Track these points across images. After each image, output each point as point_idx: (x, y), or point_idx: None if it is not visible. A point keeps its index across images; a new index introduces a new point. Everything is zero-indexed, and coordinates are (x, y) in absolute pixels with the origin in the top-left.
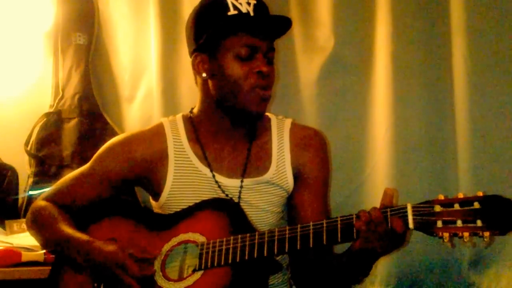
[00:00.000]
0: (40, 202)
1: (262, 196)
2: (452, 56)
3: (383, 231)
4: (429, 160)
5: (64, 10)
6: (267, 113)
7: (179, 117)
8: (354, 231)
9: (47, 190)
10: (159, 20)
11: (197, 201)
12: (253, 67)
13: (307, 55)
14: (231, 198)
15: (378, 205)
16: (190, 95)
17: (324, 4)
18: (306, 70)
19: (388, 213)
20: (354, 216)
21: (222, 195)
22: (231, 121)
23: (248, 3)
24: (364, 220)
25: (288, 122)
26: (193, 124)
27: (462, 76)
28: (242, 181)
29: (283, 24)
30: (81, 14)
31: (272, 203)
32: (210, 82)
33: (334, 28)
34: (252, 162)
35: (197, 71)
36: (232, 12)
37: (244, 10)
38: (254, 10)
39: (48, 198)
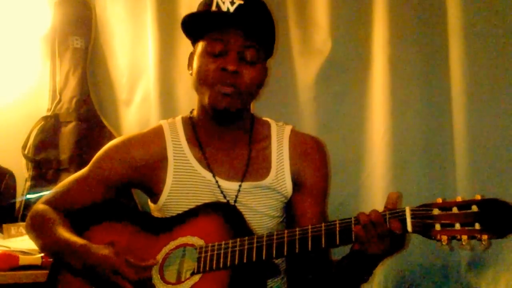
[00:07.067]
0: (39, 206)
1: (261, 200)
2: (450, 59)
3: (382, 233)
4: (426, 163)
5: (61, 14)
6: (267, 119)
7: (178, 119)
8: (353, 233)
9: (46, 194)
10: (156, 23)
11: (196, 203)
12: (221, 63)
13: (305, 58)
14: (228, 201)
15: (375, 208)
16: (188, 99)
17: (322, 7)
18: (304, 73)
19: (387, 216)
20: (353, 219)
21: (221, 198)
22: (214, 121)
23: (232, 3)
24: (363, 222)
25: (288, 129)
26: (193, 126)
27: (459, 79)
28: (240, 185)
29: (260, 26)
30: (79, 17)
31: (270, 206)
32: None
33: (331, 31)
34: (252, 167)
35: (188, 68)
36: (214, 8)
37: (224, 8)
38: (237, 9)
39: (47, 202)
